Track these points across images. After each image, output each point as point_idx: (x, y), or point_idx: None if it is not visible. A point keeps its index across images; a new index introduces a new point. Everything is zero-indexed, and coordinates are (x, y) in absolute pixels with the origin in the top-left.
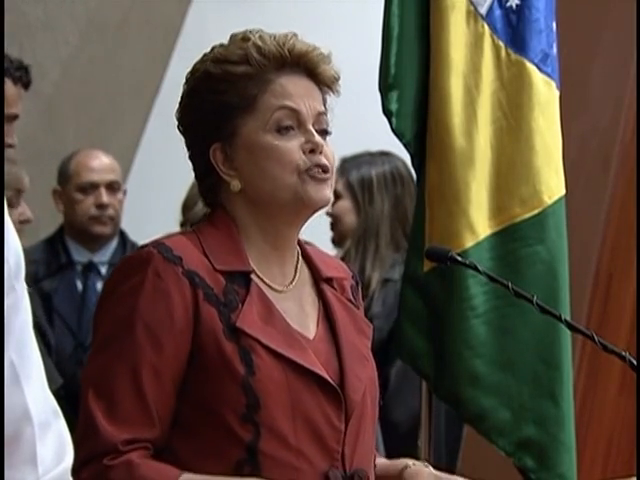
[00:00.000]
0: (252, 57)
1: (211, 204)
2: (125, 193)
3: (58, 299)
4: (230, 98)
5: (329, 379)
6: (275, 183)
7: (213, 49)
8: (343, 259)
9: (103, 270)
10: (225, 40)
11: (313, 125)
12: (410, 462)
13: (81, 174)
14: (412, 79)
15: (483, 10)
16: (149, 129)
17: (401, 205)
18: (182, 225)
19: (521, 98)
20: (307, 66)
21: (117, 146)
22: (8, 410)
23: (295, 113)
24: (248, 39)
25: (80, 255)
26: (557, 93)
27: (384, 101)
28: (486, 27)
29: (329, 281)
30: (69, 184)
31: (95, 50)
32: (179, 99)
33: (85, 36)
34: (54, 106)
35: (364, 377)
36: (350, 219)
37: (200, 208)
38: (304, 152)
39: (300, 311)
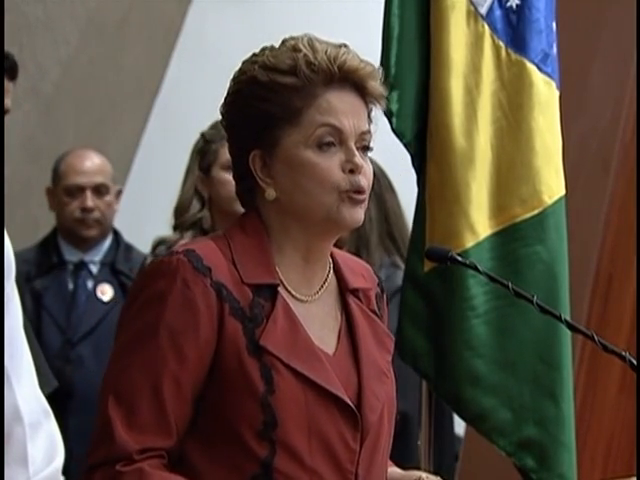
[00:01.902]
0: (301, 70)
1: (246, 206)
2: (120, 193)
3: (48, 297)
4: (274, 108)
5: (348, 401)
6: (310, 199)
7: (264, 51)
8: None
9: (94, 269)
10: (224, 40)
11: (355, 143)
12: (424, 475)
13: (68, 176)
14: (412, 79)
15: (483, 10)
16: (149, 129)
17: (381, 202)
18: (175, 229)
19: (521, 98)
20: (355, 82)
21: (117, 146)
22: None
23: (338, 131)
24: (299, 50)
25: (72, 255)
26: (557, 93)
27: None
28: (486, 27)
29: (355, 292)
30: (59, 185)
31: (95, 50)
32: (225, 94)
33: (85, 36)
34: (54, 106)
35: (382, 395)
36: None
37: (193, 213)
38: (343, 171)
39: (323, 323)
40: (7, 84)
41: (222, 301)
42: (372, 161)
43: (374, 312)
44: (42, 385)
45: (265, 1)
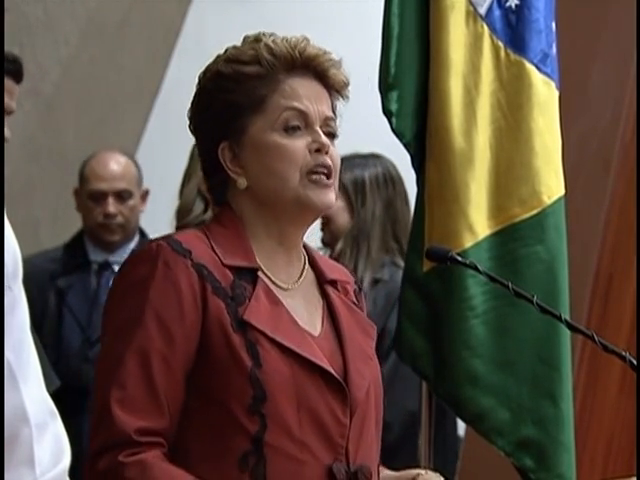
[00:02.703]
0: (263, 57)
1: (219, 202)
2: (147, 194)
3: (71, 295)
4: (240, 97)
5: (334, 373)
6: (279, 182)
7: (226, 50)
8: (337, 260)
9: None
10: (225, 40)
11: (320, 127)
12: (422, 471)
13: (91, 181)
14: (412, 79)
15: (482, 10)
16: (149, 129)
17: (392, 207)
18: (178, 230)
19: (520, 98)
20: (317, 70)
21: (117, 146)
22: (5, 411)
23: (303, 114)
24: (260, 40)
25: (97, 255)
26: (557, 93)
27: (384, 101)
28: (485, 27)
29: (333, 283)
30: (83, 189)
31: (95, 50)
32: (191, 99)
33: (85, 36)
34: (54, 106)
35: (368, 375)
36: (343, 220)
37: (196, 215)
38: (310, 152)
39: (305, 309)
40: (12, 86)
41: (204, 281)
42: (394, 169)
43: (354, 303)
44: (45, 385)
45: (265, 1)
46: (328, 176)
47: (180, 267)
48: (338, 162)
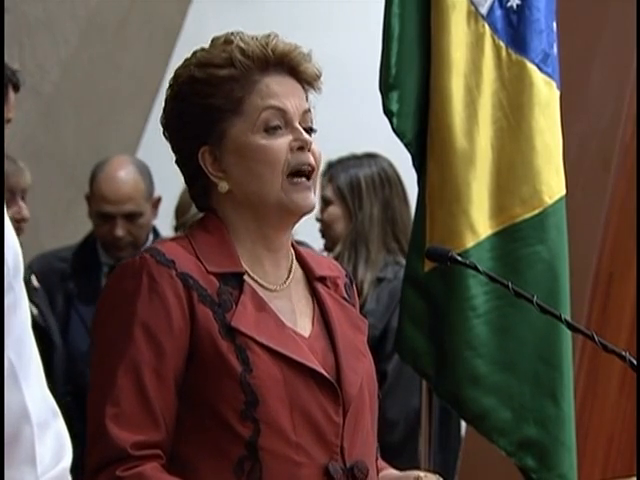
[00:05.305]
0: (236, 59)
1: (202, 208)
2: (159, 201)
3: (80, 298)
4: (217, 101)
5: (325, 374)
6: (261, 185)
7: (195, 53)
8: None
9: None
10: None
11: (300, 123)
12: (422, 473)
13: (98, 202)
14: (413, 79)
15: (484, 10)
16: (149, 129)
17: (390, 207)
18: (176, 229)
19: (522, 98)
20: (290, 65)
21: (117, 146)
22: (7, 410)
23: (282, 112)
24: (231, 42)
25: (108, 257)
26: (557, 93)
27: (385, 101)
28: (487, 27)
29: (322, 280)
30: (92, 203)
31: (95, 50)
32: (163, 105)
33: (85, 36)
34: (54, 106)
35: (361, 371)
36: (342, 225)
37: (194, 213)
38: (292, 150)
39: (294, 310)
40: (13, 97)
41: (189, 290)
42: (391, 168)
43: (345, 299)
44: None
45: (265, 2)
46: (309, 176)
47: (165, 278)
48: (320, 159)
